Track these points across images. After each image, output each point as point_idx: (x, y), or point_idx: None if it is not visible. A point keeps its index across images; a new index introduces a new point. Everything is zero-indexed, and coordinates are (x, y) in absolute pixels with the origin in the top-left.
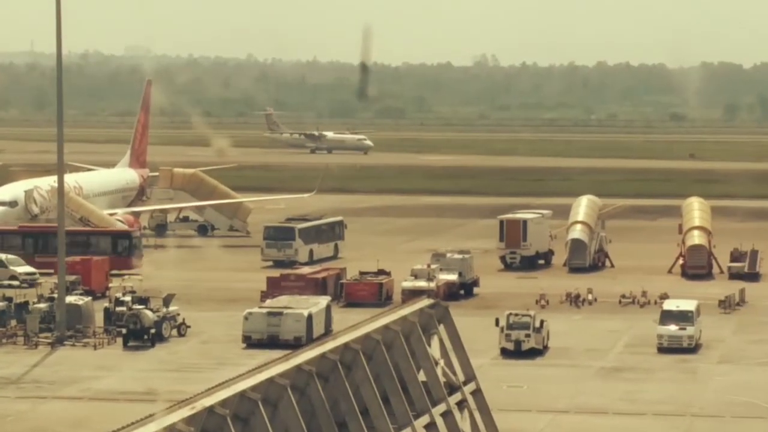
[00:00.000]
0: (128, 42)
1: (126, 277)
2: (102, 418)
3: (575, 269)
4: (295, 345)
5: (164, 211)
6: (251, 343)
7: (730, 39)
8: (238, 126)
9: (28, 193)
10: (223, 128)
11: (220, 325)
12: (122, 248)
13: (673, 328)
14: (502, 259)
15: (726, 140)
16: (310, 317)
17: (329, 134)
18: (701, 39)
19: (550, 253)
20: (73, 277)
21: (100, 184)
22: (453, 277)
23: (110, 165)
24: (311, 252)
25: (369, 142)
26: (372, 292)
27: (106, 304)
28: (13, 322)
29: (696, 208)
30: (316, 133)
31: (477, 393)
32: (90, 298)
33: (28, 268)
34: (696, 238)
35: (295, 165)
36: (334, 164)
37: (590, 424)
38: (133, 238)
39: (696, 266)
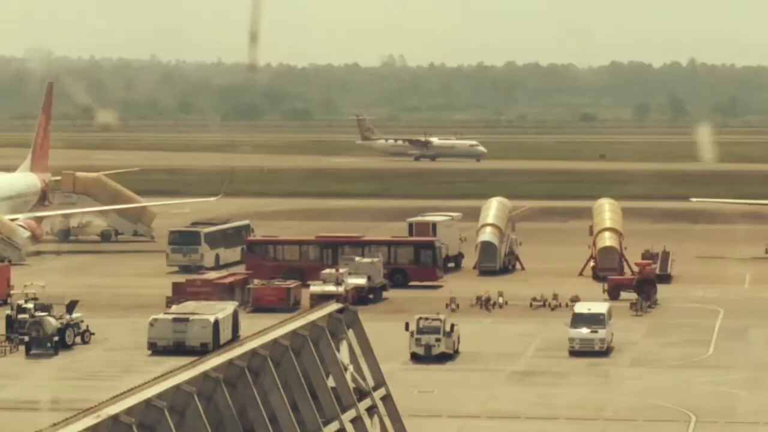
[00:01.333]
0: (28, 44)
1: (29, 283)
2: (4, 429)
3: (486, 272)
4: (202, 351)
5: (67, 216)
6: (157, 350)
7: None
8: (143, 129)
9: None
10: (128, 131)
11: (125, 331)
12: None
13: (584, 331)
14: None
15: (637, 141)
16: (216, 323)
17: (435, 140)
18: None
19: (460, 256)
20: None
21: (0, 188)
22: (362, 281)
23: (11, 169)
24: (217, 257)
25: (482, 148)
26: (280, 297)
27: (8, 312)
28: None
29: (607, 210)
30: (422, 138)
31: (387, 398)
32: None
33: None
34: (607, 239)
35: (200, 168)
36: (239, 167)
37: (502, 430)
38: None
39: (607, 268)
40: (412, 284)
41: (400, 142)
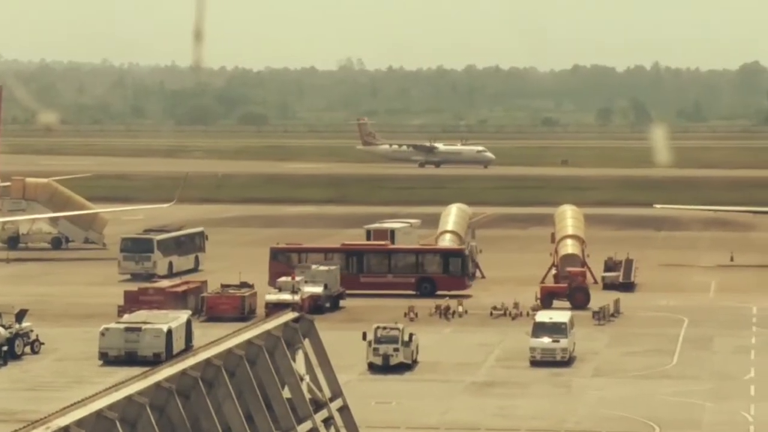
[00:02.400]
0: None
1: None
2: None
3: None
4: (155, 361)
5: (16, 223)
6: (108, 360)
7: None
8: (94, 133)
9: None
10: (79, 135)
11: (76, 341)
12: None
13: (546, 340)
14: None
15: (599, 146)
16: (169, 332)
17: (441, 146)
18: (572, 41)
19: None
20: None
21: None
22: (318, 289)
23: None
24: (171, 264)
25: (490, 154)
26: (234, 306)
27: None
28: None
29: (569, 216)
30: (427, 144)
31: (344, 410)
32: None
33: None
34: (569, 247)
35: (153, 174)
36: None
37: None
38: None
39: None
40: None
41: (404, 148)
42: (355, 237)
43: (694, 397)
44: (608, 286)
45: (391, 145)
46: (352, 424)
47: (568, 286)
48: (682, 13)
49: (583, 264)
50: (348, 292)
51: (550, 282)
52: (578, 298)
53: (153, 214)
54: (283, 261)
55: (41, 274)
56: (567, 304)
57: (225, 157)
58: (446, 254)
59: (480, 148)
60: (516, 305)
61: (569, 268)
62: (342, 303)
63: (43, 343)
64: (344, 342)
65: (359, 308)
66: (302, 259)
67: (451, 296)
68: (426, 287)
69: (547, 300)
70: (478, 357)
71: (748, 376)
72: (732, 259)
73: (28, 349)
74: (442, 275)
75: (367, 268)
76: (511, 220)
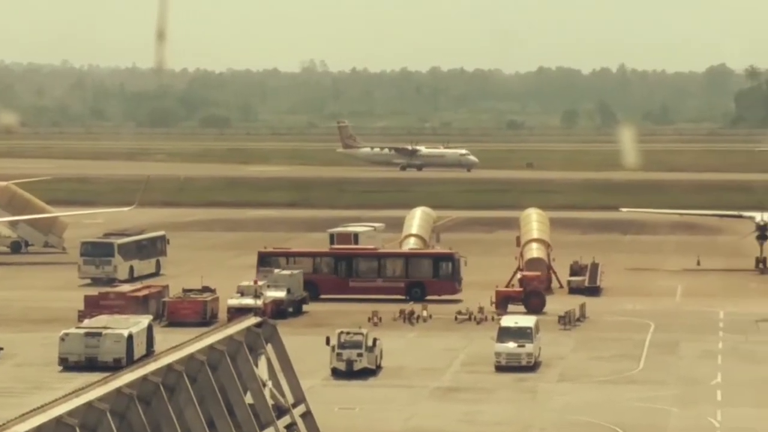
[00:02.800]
0: None
1: None
2: None
3: None
4: (115, 367)
5: None
6: (68, 365)
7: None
8: (54, 136)
9: None
10: (39, 138)
11: (35, 346)
12: None
13: (511, 345)
14: None
15: (565, 149)
16: (130, 337)
17: (423, 149)
18: (537, 43)
19: None
20: None
21: None
22: (281, 294)
23: None
24: (132, 269)
25: (473, 158)
26: (196, 311)
27: None
28: None
29: (534, 220)
30: (409, 147)
31: (307, 416)
32: None
33: None
34: (534, 251)
35: (113, 177)
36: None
37: None
38: None
39: (541, 280)
40: (324, 297)
41: (385, 151)
42: (319, 241)
43: (660, 403)
44: (574, 290)
45: (372, 148)
46: (315, 430)
47: (524, 291)
48: (648, 15)
49: (549, 268)
50: (337, 297)
51: (515, 286)
52: (534, 303)
53: (114, 218)
54: (270, 265)
55: (0, 279)
56: (522, 308)
57: (187, 160)
58: (437, 258)
59: (463, 151)
60: (481, 310)
61: (525, 273)
62: (305, 308)
63: (1, 348)
64: (307, 347)
65: (322, 313)
66: (291, 263)
67: (442, 301)
68: (416, 292)
69: (502, 304)
70: (443, 362)
71: (715, 381)
72: (698, 263)
73: None
74: (432, 279)
75: (357, 273)
76: (476, 223)
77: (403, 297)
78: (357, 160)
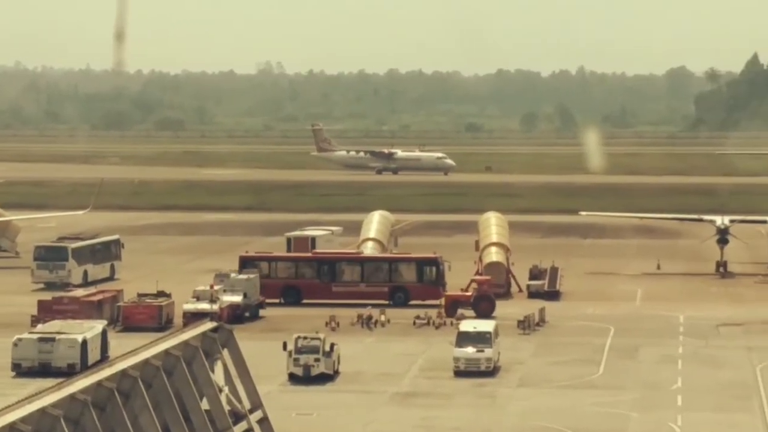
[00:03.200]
0: None
1: None
2: None
3: None
4: (69, 373)
5: None
6: (21, 371)
7: (528, 45)
8: (6, 138)
9: None
10: None
11: None
12: None
13: (470, 350)
14: None
15: (524, 152)
16: (84, 343)
17: (399, 152)
18: (497, 45)
19: None
20: None
21: None
22: (237, 298)
23: None
24: (86, 273)
25: (450, 161)
26: (151, 315)
27: None
28: None
29: (493, 224)
30: (386, 150)
31: (264, 421)
32: None
33: None
34: (493, 255)
35: (67, 180)
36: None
37: None
38: None
39: (494, 284)
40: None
41: (361, 154)
42: (276, 245)
43: (620, 408)
44: (533, 294)
45: (348, 151)
46: None
47: (473, 295)
48: (608, 17)
49: (508, 272)
50: (320, 302)
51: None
52: (483, 307)
53: (68, 222)
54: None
55: None
56: (472, 313)
57: (141, 163)
58: (420, 263)
59: (440, 154)
60: (440, 314)
61: (474, 277)
62: (262, 312)
63: None
64: (264, 352)
65: (280, 318)
66: (272, 268)
67: (427, 306)
68: (399, 296)
69: (451, 309)
70: (401, 367)
71: (675, 386)
72: (659, 267)
73: None
74: (416, 284)
75: (339, 277)
76: (434, 227)
77: (387, 302)
78: (332, 164)
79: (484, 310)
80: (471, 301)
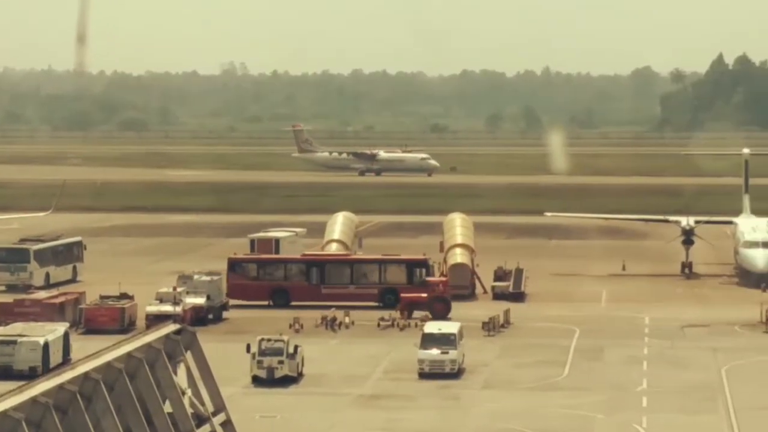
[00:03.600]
0: None
1: None
2: None
3: None
4: (31, 375)
5: None
6: None
7: (492, 46)
8: None
9: None
10: None
11: None
12: None
13: (434, 352)
14: None
15: (489, 152)
16: (46, 345)
17: (382, 153)
18: (461, 46)
19: None
20: None
21: None
22: (201, 300)
23: None
24: (47, 275)
25: (434, 162)
26: (113, 318)
27: None
28: None
29: (458, 225)
30: (368, 152)
31: (227, 424)
32: None
33: None
34: (458, 256)
35: (29, 181)
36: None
37: None
38: None
39: (458, 286)
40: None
41: (344, 155)
42: (239, 246)
43: (585, 409)
44: (498, 296)
45: (331, 153)
46: None
47: (428, 296)
48: (573, 17)
49: (473, 273)
50: (309, 303)
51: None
52: (438, 308)
53: (29, 223)
54: (240, 272)
55: None
56: (428, 314)
57: (104, 164)
58: (410, 264)
59: (423, 155)
60: (404, 316)
61: (429, 278)
62: (225, 314)
63: None
64: (227, 354)
65: (243, 319)
66: (261, 270)
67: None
68: (390, 298)
69: (407, 310)
70: (365, 369)
71: (641, 388)
72: (624, 268)
73: None
74: (406, 285)
75: (329, 279)
76: (399, 228)
77: (376, 303)
78: (313, 165)
79: (439, 312)
80: (426, 303)
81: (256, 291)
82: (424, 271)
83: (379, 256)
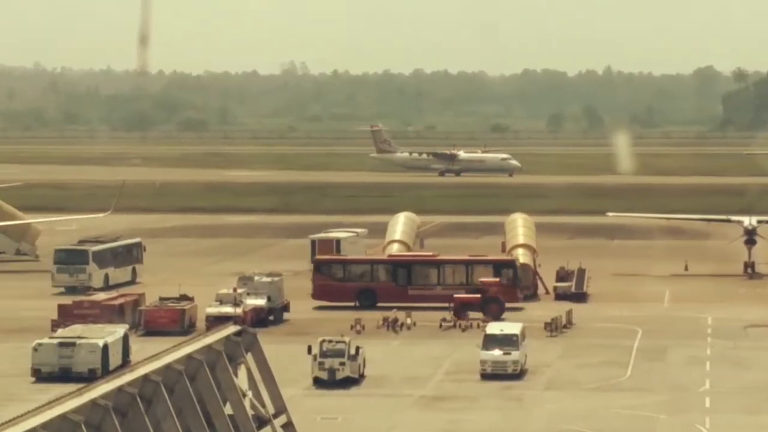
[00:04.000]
0: None
1: None
2: None
3: None
4: (90, 378)
5: None
6: (41, 376)
7: (554, 45)
8: (26, 140)
9: None
10: (10, 143)
11: (7, 357)
12: None
13: (497, 353)
14: None
15: (551, 152)
16: (105, 347)
17: (462, 153)
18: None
19: None
20: None
21: None
22: (261, 301)
23: None
24: (107, 277)
25: (515, 162)
26: (173, 319)
27: None
28: None
29: (520, 225)
30: (448, 152)
31: (288, 426)
32: None
33: None
34: (520, 256)
35: (88, 182)
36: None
37: None
38: None
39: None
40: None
41: (423, 156)
42: (300, 247)
43: (648, 410)
44: (560, 296)
45: (411, 153)
46: None
47: (482, 297)
48: (634, 16)
49: (535, 274)
50: (395, 305)
51: None
52: (492, 309)
53: (88, 225)
54: (327, 273)
55: None
56: (480, 315)
57: (164, 165)
58: (498, 265)
59: (504, 155)
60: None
61: (482, 279)
62: (286, 315)
63: None
64: (288, 356)
65: (304, 321)
66: (346, 272)
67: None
68: None
69: (460, 311)
70: (427, 370)
71: (703, 388)
72: (686, 268)
73: None
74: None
75: (416, 280)
76: (460, 228)
77: None
78: (392, 166)
79: (493, 312)
80: (480, 304)
81: (342, 292)
82: (511, 271)
83: (467, 257)
